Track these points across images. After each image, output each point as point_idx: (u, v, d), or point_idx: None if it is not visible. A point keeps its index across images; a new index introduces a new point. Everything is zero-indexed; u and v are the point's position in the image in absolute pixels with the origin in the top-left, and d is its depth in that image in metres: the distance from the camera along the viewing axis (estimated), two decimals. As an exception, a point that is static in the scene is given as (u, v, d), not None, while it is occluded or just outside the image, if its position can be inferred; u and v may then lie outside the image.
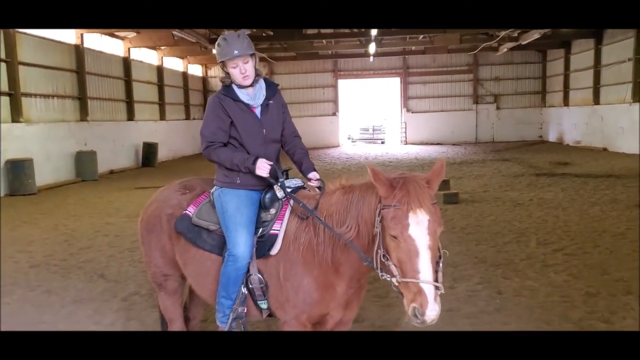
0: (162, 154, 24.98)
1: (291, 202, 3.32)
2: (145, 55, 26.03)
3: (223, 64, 3.41)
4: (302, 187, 3.50)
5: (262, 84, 3.49)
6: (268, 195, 3.38)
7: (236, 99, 3.41)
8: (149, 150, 23.43)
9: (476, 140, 33.42)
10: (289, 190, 3.38)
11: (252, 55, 3.40)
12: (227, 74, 3.41)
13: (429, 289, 2.56)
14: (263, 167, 3.31)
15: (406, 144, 33.29)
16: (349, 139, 36.98)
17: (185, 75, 30.98)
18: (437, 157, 23.86)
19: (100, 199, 14.00)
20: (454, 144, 31.88)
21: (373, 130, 35.99)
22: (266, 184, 3.43)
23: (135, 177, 19.27)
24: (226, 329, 3.39)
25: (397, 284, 2.68)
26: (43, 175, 16.15)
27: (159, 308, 4.17)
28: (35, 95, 17.23)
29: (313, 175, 3.50)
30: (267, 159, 3.47)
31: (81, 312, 5.72)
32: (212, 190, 3.62)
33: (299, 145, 3.65)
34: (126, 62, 23.69)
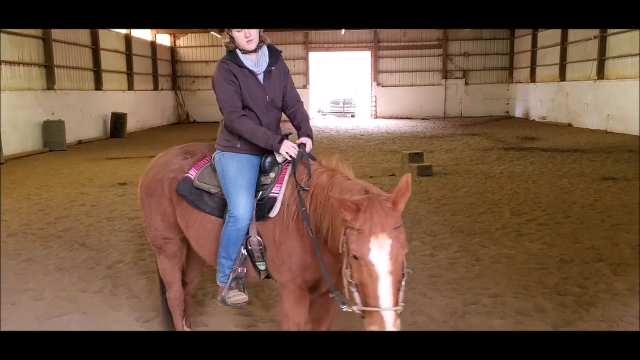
0: (131, 125, 24.56)
1: (290, 168, 3.38)
2: (112, 23, 25.30)
3: (228, 28, 3.41)
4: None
5: (265, 50, 3.50)
6: (268, 160, 3.42)
7: (241, 65, 3.41)
8: (118, 121, 22.97)
9: (445, 115, 33.80)
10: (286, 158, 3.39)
11: None
12: (232, 38, 3.41)
13: (388, 315, 2.52)
14: (290, 148, 3.31)
15: (376, 117, 33.46)
16: (319, 112, 36.87)
17: (153, 45, 30.30)
18: (407, 131, 24.11)
19: (71, 169, 13.74)
20: (423, 119, 32.17)
21: (343, 103, 35.90)
22: (265, 149, 3.47)
23: (105, 148, 18.92)
24: (226, 288, 3.47)
25: (358, 311, 2.62)
26: (10, 145, 15.75)
27: (158, 272, 4.21)
28: (0, 62, 16.64)
29: (303, 139, 3.48)
30: (269, 125, 3.51)
31: (66, 279, 5.70)
32: (213, 154, 3.65)
33: (300, 110, 3.67)
34: (93, 30, 23.01)
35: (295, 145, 3.35)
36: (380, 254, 2.54)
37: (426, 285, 5.42)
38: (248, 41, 3.36)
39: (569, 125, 24.87)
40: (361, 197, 2.71)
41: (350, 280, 2.62)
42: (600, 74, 23.07)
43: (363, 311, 2.59)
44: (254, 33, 3.36)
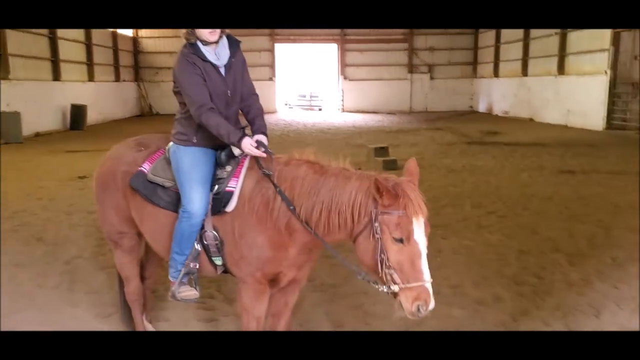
0: (92, 117, 23.96)
1: (247, 161, 3.35)
2: (72, 12, 24.61)
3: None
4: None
5: (224, 41, 3.41)
6: (224, 153, 3.36)
7: (204, 58, 3.32)
8: (77, 113, 22.36)
9: (410, 109, 34.02)
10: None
11: None
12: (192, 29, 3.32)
13: (430, 288, 2.77)
14: (250, 147, 3.21)
15: (343, 111, 33.50)
16: (286, 104, 36.76)
17: (114, 35, 29.62)
18: (373, 125, 24.22)
19: (28, 163, 13.35)
20: (389, 113, 32.31)
21: (310, 96, 35.83)
22: (222, 142, 3.40)
23: (64, 141, 18.45)
24: (177, 283, 3.42)
25: (396, 290, 2.79)
26: (-37, 137, 15.17)
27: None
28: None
29: (258, 137, 3.37)
30: (228, 120, 3.43)
31: (22, 274, 5.56)
32: (167, 147, 3.57)
33: (255, 104, 3.60)
34: (51, 19, 22.33)
35: (254, 143, 3.25)
36: (421, 232, 2.80)
37: (388, 277, 5.46)
38: (211, 32, 3.27)
39: (531, 120, 25.39)
40: (391, 183, 2.81)
41: (389, 264, 2.77)
42: (561, 69, 23.61)
43: (396, 294, 2.79)
44: None
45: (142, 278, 4.06)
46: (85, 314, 4.70)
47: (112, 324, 4.48)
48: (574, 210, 8.11)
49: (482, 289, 5.17)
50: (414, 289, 2.74)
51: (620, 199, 8.75)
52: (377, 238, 2.80)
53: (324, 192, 3.01)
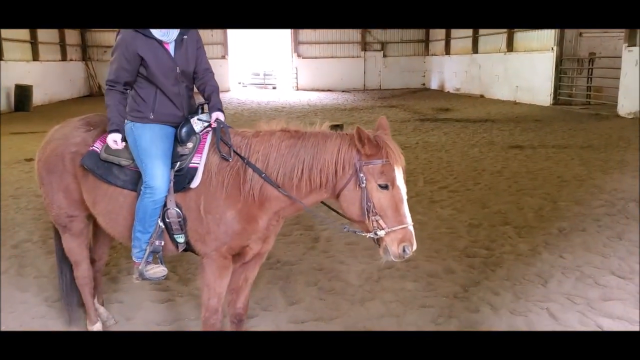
0: (37, 98, 23.04)
1: (210, 137, 3.32)
2: (12, -13, 23.49)
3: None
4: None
5: None
6: (184, 129, 3.32)
7: (148, 35, 3.24)
8: (22, 94, 21.47)
9: (364, 87, 34.15)
10: (204, 124, 3.35)
11: None
12: None
13: (412, 229, 2.98)
14: (111, 142, 3.33)
15: (298, 89, 33.32)
16: (239, 83, 36.25)
17: (59, 12, 28.44)
18: (328, 103, 24.22)
19: (-30, 145, 12.79)
20: (343, 91, 32.33)
21: (264, 75, 35.43)
22: (181, 118, 3.37)
23: (9, 122, 17.71)
24: (143, 262, 3.37)
25: (382, 235, 2.94)
26: None
27: (57, 252, 4.03)
28: None
29: (216, 115, 3.40)
30: (180, 97, 3.39)
31: (-34, 262, 5.36)
32: None
33: (210, 81, 3.55)
34: (-10, -6, 21.26)
35: (119, 141, 3.34)
36: (402, 177, 3.00)
37: (343, 253, 5.55)
38: None
39: (482, 96, 25.90)
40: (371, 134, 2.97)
41: (375, 211, 2.94)
42: (510, 46, 24.13)
43: (381, 240, 2.96)
44: None
45: (92, 261, 3.97)
46: (35, 299, 4.60)
47: (61, 308, 4.38)
48: (522, 184, 8.37)
49: (434, 262, 5.30)
50: (399, 231, 2.92)
51: (566, 172, 9.09)
52: (363, 187, 2.95)
53: (303, 153, 3.09)
